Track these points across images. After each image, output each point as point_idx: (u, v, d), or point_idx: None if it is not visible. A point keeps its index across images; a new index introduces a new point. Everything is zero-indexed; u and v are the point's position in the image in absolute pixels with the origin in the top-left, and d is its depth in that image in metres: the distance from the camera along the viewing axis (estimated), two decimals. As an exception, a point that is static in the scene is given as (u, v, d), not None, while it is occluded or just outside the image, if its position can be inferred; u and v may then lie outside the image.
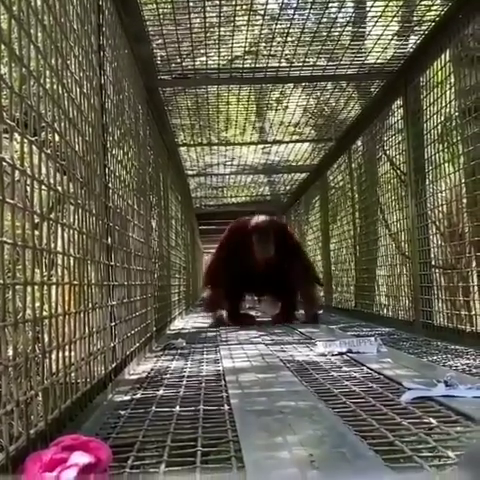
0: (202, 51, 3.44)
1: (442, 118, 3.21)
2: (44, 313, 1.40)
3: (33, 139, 1.31)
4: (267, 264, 4.60)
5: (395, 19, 3.12)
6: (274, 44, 3.45)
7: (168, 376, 2.27)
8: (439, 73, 3.18)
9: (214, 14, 3.03)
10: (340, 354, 2.62)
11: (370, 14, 3.15)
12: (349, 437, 1.31)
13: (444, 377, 1.81)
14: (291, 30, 3.28)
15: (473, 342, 2.74)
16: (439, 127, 3.24)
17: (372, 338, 2.76)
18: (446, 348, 2.79)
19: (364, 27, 3.32)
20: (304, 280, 4.88)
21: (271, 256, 4.58)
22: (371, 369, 2.21)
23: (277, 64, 3.64)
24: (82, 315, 1.71)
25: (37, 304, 1.30)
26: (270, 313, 5.24)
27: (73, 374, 1.57)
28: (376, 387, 1.87)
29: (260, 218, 4.82)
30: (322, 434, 1.34)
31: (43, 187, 1.39)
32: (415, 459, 1.16)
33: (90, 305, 1.81)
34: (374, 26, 3.17)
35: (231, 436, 1.36)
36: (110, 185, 2.21)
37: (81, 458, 1.08)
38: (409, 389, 1.77)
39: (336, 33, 3.30)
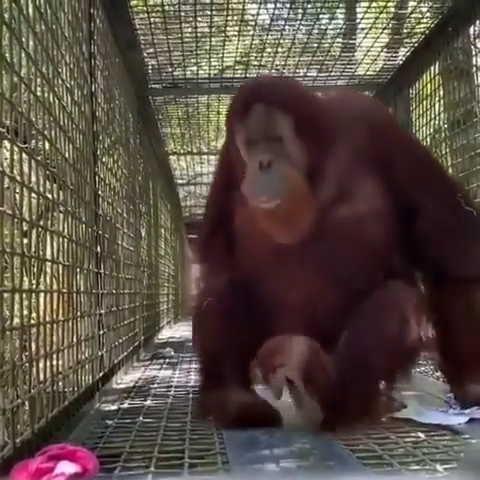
0: (193, 61, 3.45)
1: (431, 130, 3.23)
2: (32, 321, 1.39)
3: (23, 146, 1.31)
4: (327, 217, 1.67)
5: (385, 31, 3.14)
6: (265, 55, 3.46)
7: (156, 386, 2.26)
8: (428, 85, 3.20)
9: (205, 24, 3.04)
10: None
11: (360, 26, 3.17)
12: (337, 450, 1.31)
13: (444, 397, 1.79)
14: (282, 41, 3.29)
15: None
16: (428, 139, 3.26)
17: None
18: (434, 359, 2.78)
19: (354, 39, 3.34)
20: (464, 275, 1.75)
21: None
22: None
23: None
24: (70, 323, 1.70)
25: (25, 312, 1.29)
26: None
27: (60, 383, 1.56)
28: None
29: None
30: (311, 447, 1.33)
31: (33, 194, 1.38)
32: (404, 473, 1.16)
33: (78, 313, 1.80)
34: (364, 38, 3.19)
35: (219, 448, 1.36)
36: (100, 193, 2.20)
37: (68, 467, 1.07)
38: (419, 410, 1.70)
39: (326, 44, 3.31)
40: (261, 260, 1.76)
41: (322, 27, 3.22)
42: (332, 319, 1.61)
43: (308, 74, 3.61)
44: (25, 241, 1.34)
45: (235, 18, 3.06)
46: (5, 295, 1.21)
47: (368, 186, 1.69)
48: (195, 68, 3.54)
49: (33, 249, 1.38)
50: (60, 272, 1.59)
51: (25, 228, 1.34)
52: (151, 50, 3.22)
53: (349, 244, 1.65)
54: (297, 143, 1.65)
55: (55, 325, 1.54)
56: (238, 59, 3.51)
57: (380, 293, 1.62)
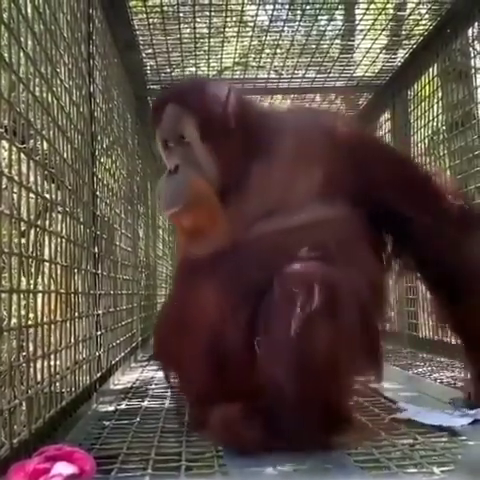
0: (192, 61, 3.45)
1: (429, 132, 3.23)
2: (29, 321, 1.39)
3: (21, 146, 1.31)
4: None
5: (384, 33, 3.15)
6: (263, 56, 3.46)
7: (153, 387, 2.26)
8: (427, 87, 3.20)
9: (204, 25, 3.04)
10: None
11: (359, 27, 3.17)
12: (335, 453, 1.30)
13: (449, 399, 1.78)
14: (280, 42, 3.29)
15: (458, 354, 2.74)
16: (426, 141, 3.26)
17: None
18: (431, 360, 2.79)
19: (353, 40, 3.35)
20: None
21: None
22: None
23: (266, 75, 3.66)
24: (68, 324, 1.70)
25: (22, 312, 1.29)
26: None
27: (58, 383, 1.56)
28: (361, 401, 1.84)
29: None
30: (308, 450, 1.32)
31: (31, 194, 1.38)
32: (401, 475, 1.16)
33: (76, 314, 1.80)
34: (363, 39, 3.20)
35: (216, 451, 1.35)
36: (98, 193, 2.20)
37: (65, 468, 1.07)
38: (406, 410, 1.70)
39: (325, 46, 3.32)
40: (181, 270, 1.67)
41: (321, 28, 3.23)
42: (244, 339, 1.37)
43: (307, 75, 3.62)
44: (23, 241, 1.33)
45: (234, 19, 3.06)
46: (3, 295, 1.21)
47: (317, 200, 1.50)
48: (194, 69, 3.54)
49: (31, 249, 1.37)
50: (58, 272, 1.59)
51: (23, 228, 1.33)
52: (150, 51, 3.22)
53: (273, 258, 1.42)
54: (205, 148, 1.54)
55: (53, 325, 1.54)
56: (237, 60, 3.52)
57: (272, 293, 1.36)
